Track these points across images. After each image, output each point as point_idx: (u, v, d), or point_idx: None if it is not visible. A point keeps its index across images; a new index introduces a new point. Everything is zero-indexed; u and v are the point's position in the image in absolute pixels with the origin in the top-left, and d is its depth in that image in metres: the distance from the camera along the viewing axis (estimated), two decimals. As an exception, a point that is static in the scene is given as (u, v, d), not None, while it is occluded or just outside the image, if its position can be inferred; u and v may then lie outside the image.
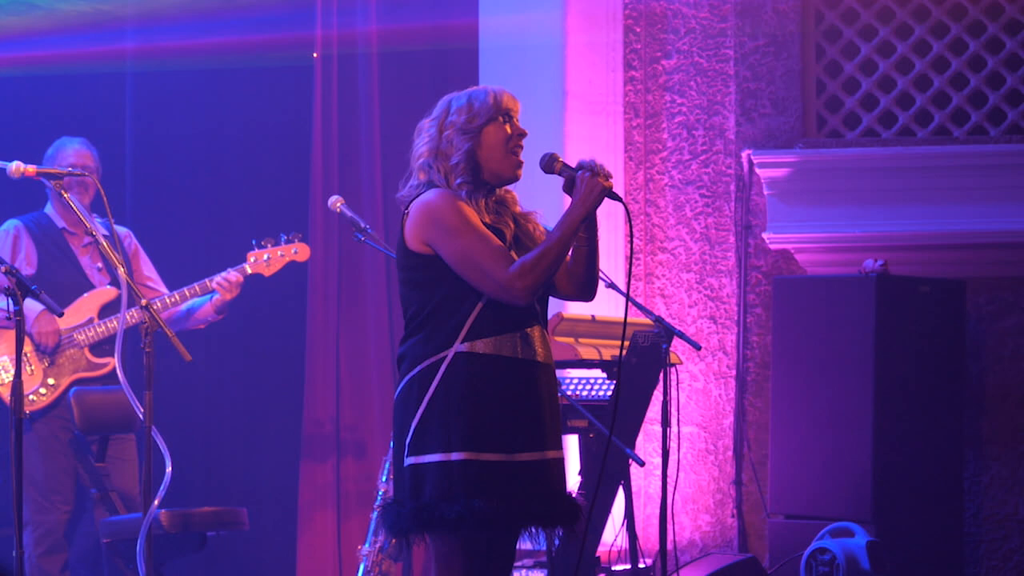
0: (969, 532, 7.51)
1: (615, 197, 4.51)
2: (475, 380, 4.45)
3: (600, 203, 4.49)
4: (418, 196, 4.53)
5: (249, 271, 7.02)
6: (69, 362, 6.88)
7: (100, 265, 7.04)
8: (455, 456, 4.41)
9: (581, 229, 4.50)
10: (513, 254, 4.48)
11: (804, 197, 7.64)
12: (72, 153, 6.95)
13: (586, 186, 4.47)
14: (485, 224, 4.50)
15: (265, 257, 7.06)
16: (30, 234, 6.99)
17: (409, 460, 4.46)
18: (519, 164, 4.58)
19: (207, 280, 6.96)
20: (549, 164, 4.58)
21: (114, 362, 6.89)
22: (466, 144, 4.52)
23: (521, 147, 4.59)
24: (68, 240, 7.03)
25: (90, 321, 6.90)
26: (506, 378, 4.47)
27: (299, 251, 7.15)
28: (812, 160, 7.65)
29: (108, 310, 6.95)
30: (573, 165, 4.55)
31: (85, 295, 6.92)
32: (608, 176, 4.50)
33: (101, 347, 6.93)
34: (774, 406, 7.23)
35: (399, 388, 4.51)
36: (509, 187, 4.64)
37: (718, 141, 7.84)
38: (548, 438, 4.54)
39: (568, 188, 4.54)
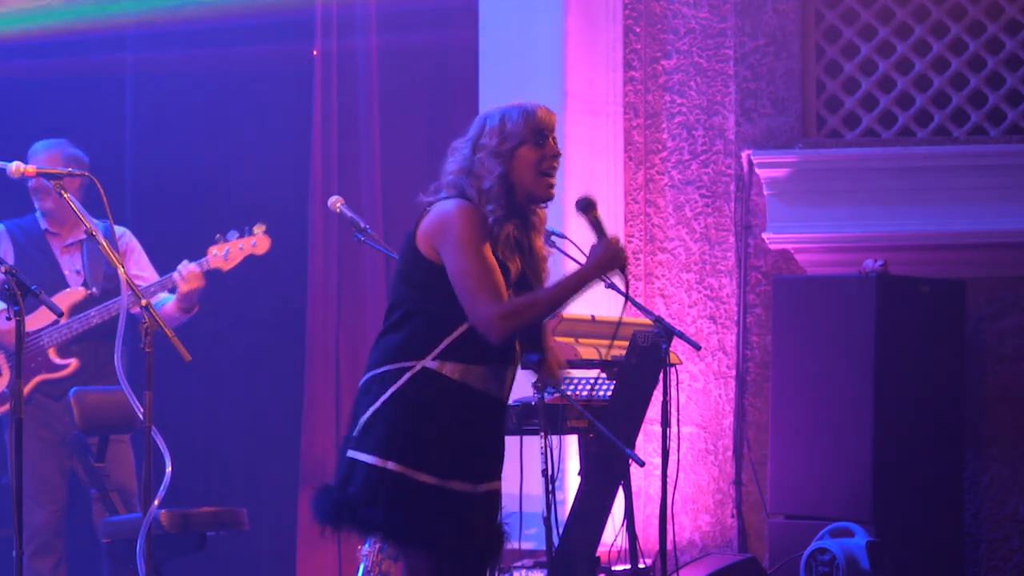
0: (969, 532, 7.50)
1: (624, 276, 4.51)
2: (433, 400, 4.43)
3: (611, 274, 4.49)
4: (445, 198, 4.51)
5: (208, 266, 6.93)
6: (32, 363, 6.88)
7: (78, 268, 7.03)
8: (390, 465, 4.39)
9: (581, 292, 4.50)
10: (511, 293, 4.45)
11: (804, 197, 7.64)
12: (44, 159, 6.91)
13: (608, 255, 4.45)
14: (495, 255, 4.46)
15: (224, 251, 6.97)
16: (10, 236, 7.01)
17: (349, 452, 4.46)
18: (551, 185, 4.54)
19: (166, 277, 6.91)
20: (586, 207, 4.56)
21: (76, 363, 6.91)
22: (498, 168, 4.47)
23: (555, 167, 4.56)
24: (49, 241, 7.04)
25: (56, 322, 6.88)
26: (464, 408, 4.45)
27: (258, 243, 7.04)
28: (812, 160, 7.64)
29: (76, 311, 6.93)
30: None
31: (54, 296, 6.90)
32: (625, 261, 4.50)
33: (68, 348, 6.93)
34: (774, 406, 7.23)
35: (362, 380, 4.51)
36: (540, 211, 4.60)
37: (718, 141, 7.84)
38: (486, 472, 4.53)
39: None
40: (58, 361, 6.92)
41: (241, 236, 6.98)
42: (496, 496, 4.58)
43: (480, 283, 4.39)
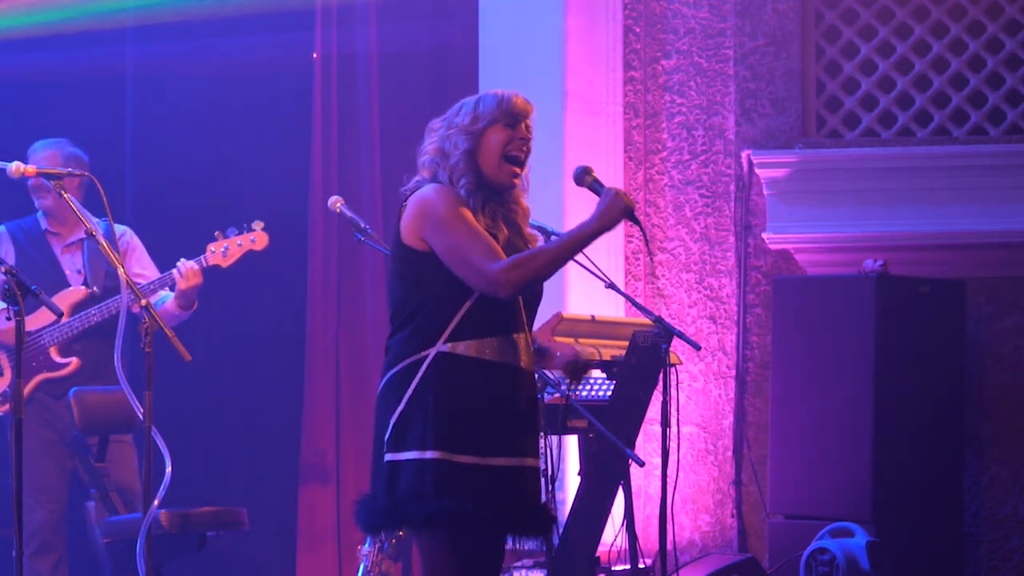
0: (969, 532, 7.50)
1: (635, 220, 4.52)
2: (455, 381, 4.46)
3: (618, 222, 4.50)
4: (418, 190, 4.56)
5: (207, 263, 6.92)
6: (32, 362, 6.87)
7: (79, 267, 7.02)
8: (429, 455, 4.43)
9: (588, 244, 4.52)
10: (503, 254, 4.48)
11: (804, 197, 7.64)
12: (44, 158, 6.91)
13: (610, 201, 4.48)
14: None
15: (223, 248, 6.96)
16: (11, 237, 7.01)
17: (387, 456, 4.49)
18: (514, 173, 4.58)
19: (165, 275, 6.91)
20: (580, 176, 4.62)
21: (77, 362, 6.91)
22: (465, 144, 4.54)
23: (523, 153, 4.58)
24: (50, 241, 7.04)
25: (56, 321, 6.88)
26: (486, 382, 4.48)
27: (257, 240, 7.02)
28: (812, 160, 7.64)
29: (77, 310, 6.93)
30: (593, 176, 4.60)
31: (55, 296, 6.89)
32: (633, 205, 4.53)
33: (69, 347, 6.93)
34: (774, 406, 7.23)
35: (381, 384, 4.55)
36: (521, 201, 4.64)
37: (718, 141, 7.84)
38: (525, 445, 4.55)
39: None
40: (59, 360, 6.92)
41: (239, 233, 6.98)
42: (537, 473, 4.60)
43: (472, 247, 4.44)
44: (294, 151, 8.11)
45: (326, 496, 7.89)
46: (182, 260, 6.86)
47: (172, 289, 6.92)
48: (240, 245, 6.97)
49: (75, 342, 6.92)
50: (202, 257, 6.90)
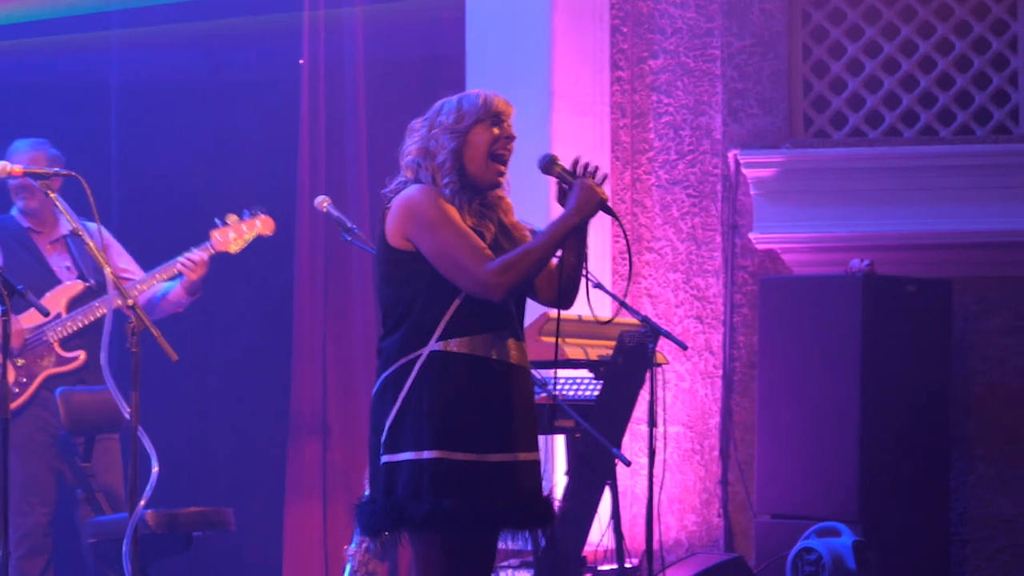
0: (955, 532, 7.51)
1: (610, 211, 4.52)
2: (448, 379, 4.45)
3: (594, 214, 4.50)
4: (401, 192, 4.55)
5: (214, 250, 6.92)
6: (39, 358, 6.86)
7: (68, 264, 7.01)
8: (426, 455, 4.42)
9: (571, 237, 4.51)
10: (491, 255, 4.48)
11: (791, 197, 7.65)
12: (28, 159, 6.89)
13: (584, 195, 4.47)
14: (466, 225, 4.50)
15: (230, 234, 6.97)
16: None
17: (384, 458, 4.48)
18: (500, 172, 4.58)
19: (171, 264, 6.90)
20: (548, 165, 4.58)
21: (84, 355, 6.90)
22: (452, 143, 4.53)
23: (507, 151, 4.59)
24: (34, 239, 7.02)
25: (58, 316, 6.87)
26: (479, 378, 4.48)
27: (263, 223, 7.03)
28: (798, 160, 7.65)
29: (75, 304, 6.92)
30: (569, 167, 4.55)
31: (52, 291, 6.89)
32: (604, 178, 4.51)
33: (71, 341, 6.92)
34: (760, 406, 7.24)
35: (376, 386, 4.54)
36: (504, 195, 4.64)
37: (705, 141, 7.84)
38: (520, 440, 4.54)
39: (561, 198, 4.54)
40: (65, 354, 6.90)
41: (241, 219, 6.99)
42: (536, 467, 4.59)
43: (462, 250, 4.43)
44: (281, 154, 8.10)
45: (313, 496, 7.88)
46: (192, 250, 6.86)
47: (171, 279, 6.93)
48: (247, 231, 6.98)
49: (76, 336, 6.91)
50: (208, 244, 6.91)
